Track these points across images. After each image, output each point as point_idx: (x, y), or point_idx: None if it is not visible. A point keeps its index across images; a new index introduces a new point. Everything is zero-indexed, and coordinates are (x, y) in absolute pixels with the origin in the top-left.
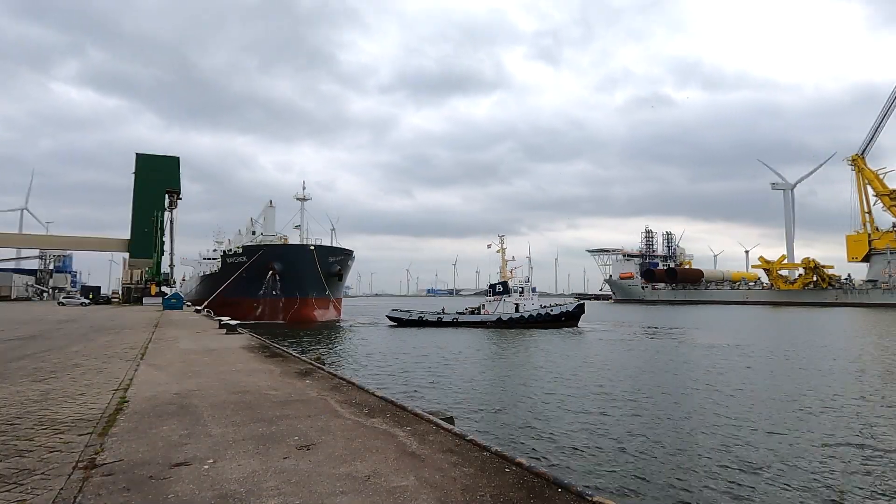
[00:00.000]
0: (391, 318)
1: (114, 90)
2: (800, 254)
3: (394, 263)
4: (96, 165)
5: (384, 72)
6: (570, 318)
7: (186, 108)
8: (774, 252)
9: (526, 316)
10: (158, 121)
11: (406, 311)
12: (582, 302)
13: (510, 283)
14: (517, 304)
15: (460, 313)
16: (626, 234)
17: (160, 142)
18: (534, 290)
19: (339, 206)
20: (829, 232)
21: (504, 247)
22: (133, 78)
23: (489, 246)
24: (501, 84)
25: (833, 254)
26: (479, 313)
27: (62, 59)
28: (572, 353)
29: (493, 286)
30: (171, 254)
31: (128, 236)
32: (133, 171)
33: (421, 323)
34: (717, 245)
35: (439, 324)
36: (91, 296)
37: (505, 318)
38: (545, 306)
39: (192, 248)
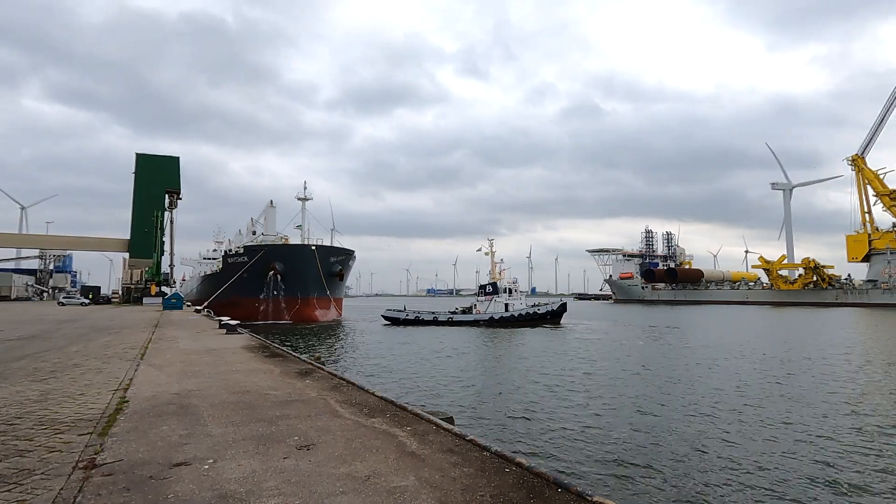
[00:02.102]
0: (386, 318)
1: (80, 104)
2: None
3: (390, 264)
4: (76, 171)
5: (328, 88)
6: (554, 317)
7: (150, 120)
8: (751, 252)
9: (516, 315)
10: (127, 131)
11: (401, 311)
12: (565, 301)
13: (499, 284)
14: (507, 304)
15: (453, 313)
16: (606, 235)
17: (133, 148)
18: (533, 290)
19: (318, 207)
20: (812, 232)
21: (493, 250)
22: (96, 93)
23: (479, 249)
24: (441, 97)
25: (812, 255)
26: (471, 313)
27: (27, 78)
28: (565, 351)
29: (482, 287)
30: (171, 254)
31: (115, 235)
32: (133, 171)
33: (417, 322)
34: (695, 245)
35: (435, 323)
36: (91, 296)
37: (497, 317)
38: (533, 305)
39: (182, 248)
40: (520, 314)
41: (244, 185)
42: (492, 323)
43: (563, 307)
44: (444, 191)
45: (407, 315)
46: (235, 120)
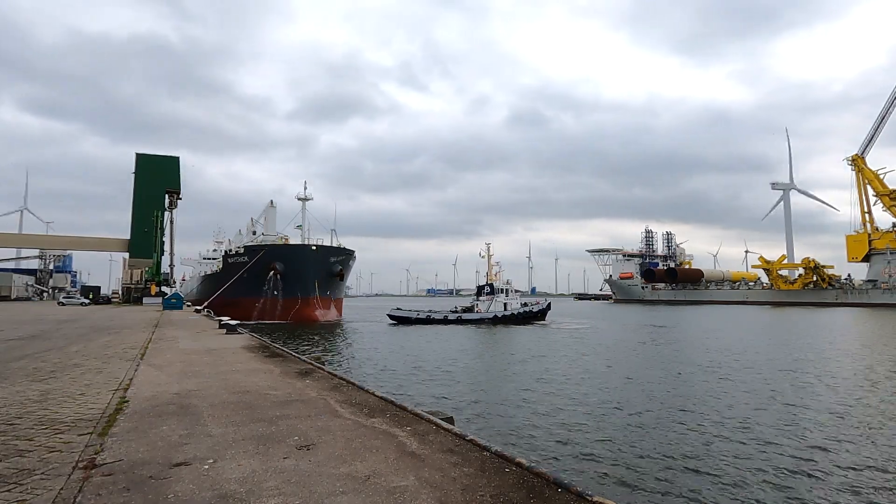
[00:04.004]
0: (392, 318)
1: (55, 116)
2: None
3: (389, 264)
4: (62, 175)
5: (284, 100)
6: (542, 314)
7: (123, 129)
8: (735, 251)
9: (515, 313)
10: (103, 140)
11: (411, 311)
12: (549, 301)
13: (495, 285)
14: (505, 304)
15: (453, 311)
16: (587, 236)
17: (111, 156)
18: (533, 290)
19: (312, 206)
20: (798, 232)
21: (491, 253)
22: (67, 105)
23: (479, 252)
24: (390, 108)
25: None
26: (472, 312)
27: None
28: (562, 350)
29: (480, 287)
30: (171, 254)
31: (107, 236)
32: (133, 171)
33: (427, 321)
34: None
35: (444, 322)
36: (91, 296)
37: (499, 315)
38: (524, 305)
39: (176, 248)
40: (518, 312)
41: (223, 190)
42: (495, 321)
43: (548, 306)
44: (417, 194)
45: (419, 315)
46: (204, 128)
